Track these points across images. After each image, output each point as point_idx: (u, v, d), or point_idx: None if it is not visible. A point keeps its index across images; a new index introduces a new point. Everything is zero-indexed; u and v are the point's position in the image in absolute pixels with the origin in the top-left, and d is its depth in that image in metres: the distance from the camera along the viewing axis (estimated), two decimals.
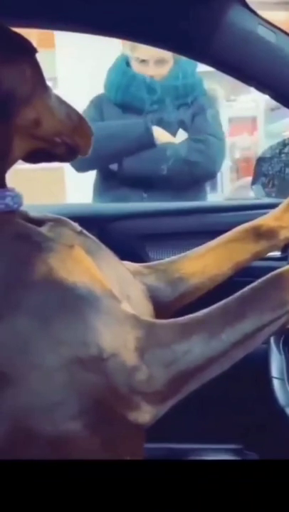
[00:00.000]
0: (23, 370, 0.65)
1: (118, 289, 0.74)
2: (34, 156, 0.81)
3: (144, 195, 1.93)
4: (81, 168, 2.02)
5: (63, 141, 0.80)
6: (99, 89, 2.10)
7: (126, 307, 0.71)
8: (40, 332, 0.65)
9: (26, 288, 0.67)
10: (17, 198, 0.76)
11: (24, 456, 0.67)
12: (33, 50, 0.78)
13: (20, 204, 0.77)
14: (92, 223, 0.95)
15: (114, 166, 1.97)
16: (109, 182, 2.00)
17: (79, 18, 1.00)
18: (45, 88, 0.78)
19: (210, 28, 0.99)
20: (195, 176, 1.97)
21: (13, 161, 0.78)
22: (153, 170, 1.93)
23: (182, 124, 2.01)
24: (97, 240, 0.83)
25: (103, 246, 0.83)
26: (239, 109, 3.90)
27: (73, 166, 1.94)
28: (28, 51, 0.77)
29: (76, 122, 0.81)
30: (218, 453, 1.12)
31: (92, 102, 2.06)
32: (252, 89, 1.17)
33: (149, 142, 1.95)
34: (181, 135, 2.01)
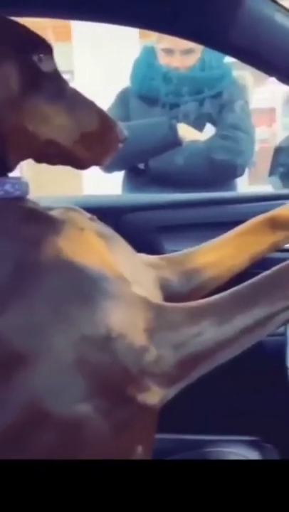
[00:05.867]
0: (36, 351, 0.66)
1: (129, 275, 0.74)
2: (43, 159, 0.77)
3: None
4: (107, 169, 1.95)
5: (59, 152, 0.75)
6: (116, 81, 2.06)
7: (136, 289, 0.71)
8: (50, 312, 0.66)
9: (36, 269, 0.67)
10: (18, 184, 0.74)
11: (39, 439, 0.67)
12: (27, 49, 0.72)
13: (23, 191, 0.75)
14: (108, 214, 0.95)
15: (141, 165, 1.94)
16: (137, 180, 1.97)
17: (96, 6, 0.99)
18: (41, 93, 0.72)
19: (227, 16, 0.98)
20: (221, 174, 1.91)
21: (13, 166, 0.75)
22: (178, 169, 1.88)
23: (209, 118, 1.95)
24: (109, 228, 0.82)
25: (116, 234, 0.83)
26: (257, 100, 3.86)
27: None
28: (18, 51, 0.71)
29: (87, 133, 0.75)
30: (234, 444, 1.11)
31: (118, 97, 2.01)
32: (270, 80, 1.15)
33: (174, 141, 1.89)
34: (210, 129, 1.95)
